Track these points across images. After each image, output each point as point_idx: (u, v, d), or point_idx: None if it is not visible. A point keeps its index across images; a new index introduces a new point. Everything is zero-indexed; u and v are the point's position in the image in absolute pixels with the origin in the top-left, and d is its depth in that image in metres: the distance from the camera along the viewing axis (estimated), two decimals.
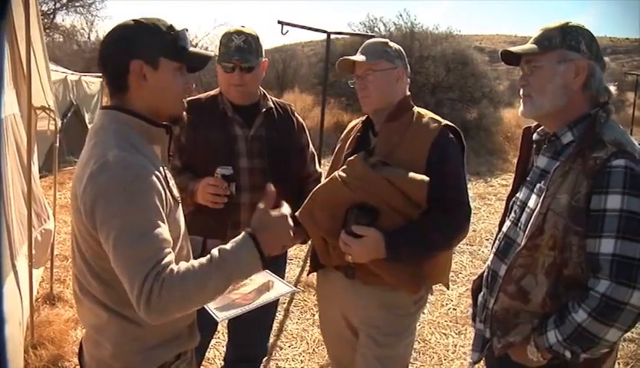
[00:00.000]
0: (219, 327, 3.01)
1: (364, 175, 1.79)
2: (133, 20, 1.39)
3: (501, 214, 1.81)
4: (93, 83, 9.30)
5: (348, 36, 11.73)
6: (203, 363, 2.77)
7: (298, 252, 5.05)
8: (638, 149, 1.44)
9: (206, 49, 15.80)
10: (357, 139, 2.04)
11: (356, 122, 2.18)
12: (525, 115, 1.62)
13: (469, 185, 2.14)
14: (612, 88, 1.54)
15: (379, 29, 14.39)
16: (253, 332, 2.37)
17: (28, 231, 3.02)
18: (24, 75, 3.09)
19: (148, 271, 1.19)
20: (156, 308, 1.19)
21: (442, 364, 3.36)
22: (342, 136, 2.19)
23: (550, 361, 1.50)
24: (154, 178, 1.30)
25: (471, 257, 5.39)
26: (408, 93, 2.02)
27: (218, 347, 3.32)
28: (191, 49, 1.44)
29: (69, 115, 8.11)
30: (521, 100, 1.62)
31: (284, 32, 5.21)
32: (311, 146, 2.44)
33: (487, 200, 7.81)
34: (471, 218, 1.91)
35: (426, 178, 1.76)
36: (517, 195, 1.70)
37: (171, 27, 1.40)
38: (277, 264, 2.25)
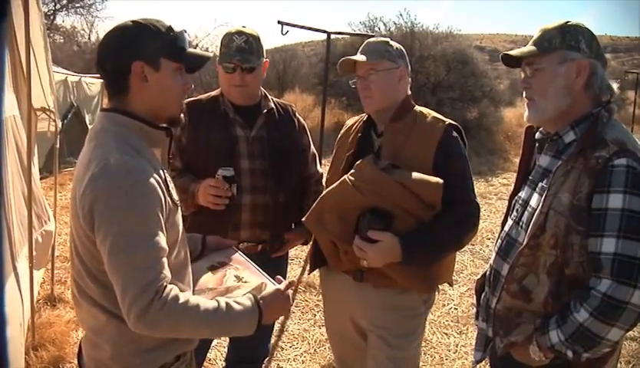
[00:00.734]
0: None
1: (376, 178, 1.77)
2: (131, 21, 1.39)
3: (502, 213, 1.81)
4: (93, 84, 9.29)
5: (348, 36, 11.74)
6: (205, 363, 2.77)
7: (299, 253, 5.05)
8: None
9: (207, 49, 15.84)
10: (359, 139, 2.03)
11: (354, 120, 2.16)
12: (530, 121, 1.62)
13: None
14: (615, 86, 1.53)
15: (379, 29, 14.40)
16: (254, 333, 2.36)
17: (28, 232, 3.01)
18: (24, 76, 3.08)
19: (146, 283, 1.22)
20: (148, 323, 1.23)
21: (443, 364, 3.35)
22: (341, 133, 2.17)
23: (552, 361, 1.50)
24: (155, 182, 1.30)
25: (472, 256, 5.39)
26: (409, 92, 2.02)
27: (219, 348, 3.31)
28: (190, 50, 1.44)
29: (69, 116, 8.12)
30: (525, 105, 1.61)
31: (284, 32, 5.20)
32: (312, 146, 2.43)
33: (488, 199, 7.80)
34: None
35: (440, 180, 1.76)
36: (519, 194, 1.69)
37: (170, 27, 1.39)
38: (279, 265, 2.25)
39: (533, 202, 1.57)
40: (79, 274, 1.37)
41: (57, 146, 4.18)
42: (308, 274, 2.32)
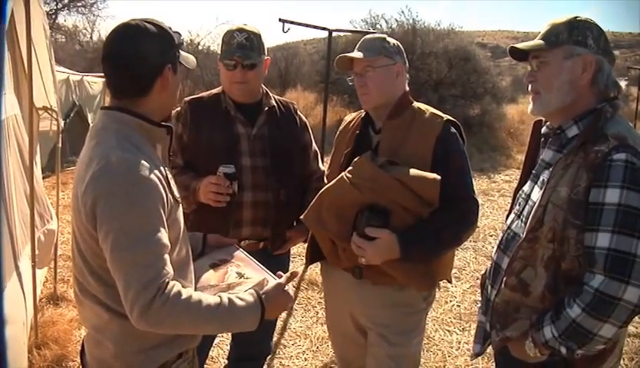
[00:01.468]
0: None
1: (374, 175, 1.76)
2: (148, 22, 1.39)
3: (505, 210, 1.81)
4: (95, 83, 9.30)
5: (349, 33, 11.72)
6: (207, 361, 2.77)
7: (301, 250, 5.02)
8: None
9: (208, 48, 15.85)
10: (357, 136, 2.02)
11: (352, 116, 2.16)
12: (534, 113, 1.61)
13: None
14: (623, 83, 1.53)
15: (381, 26, 14.35)
16: (257, 330, 2.35)
17: (30, 231, 3.02)
18: (25, 75, 3.08)
19: (148, 279, 1.23)
20: (150, 319, 1.24)
21: (446, 361, 3.35)
22: (340, 129, 2.17)
23: (550, 357, 1.49)
24: (156, 179, 1.30)
25: (475, 253, 5.37)
26: (407, 88, 2.01)
27: (221, 345, 3.32)
28: (182, 52, 1.51)
29: (71, 115, 8.13)
30: (530, 98, 1.61)
31: (285, 30, 5.20)
32: (314, 144, 2.43)
33: (490, 196, 7.78)
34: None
35: (437, 176, 1.75)
36: (523, 188, 1.69)
37: (176, 31, 1.46)
38: (281, 261, 2.25)
39: (534, 195, 1.57)
40: (81, 273, 1.38)
41: (60, 145, 4.18)
42: (304, 268, 2.32)
